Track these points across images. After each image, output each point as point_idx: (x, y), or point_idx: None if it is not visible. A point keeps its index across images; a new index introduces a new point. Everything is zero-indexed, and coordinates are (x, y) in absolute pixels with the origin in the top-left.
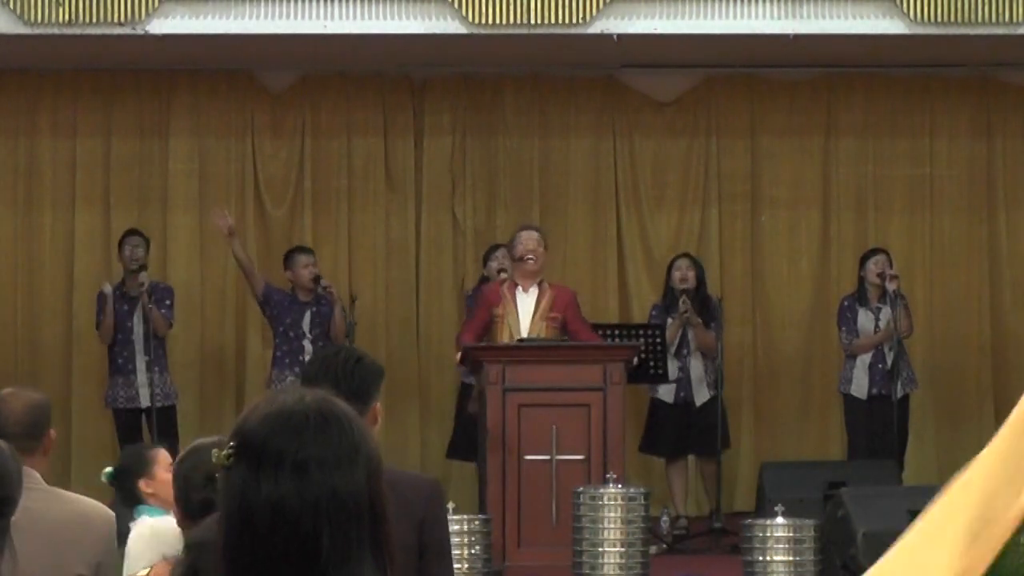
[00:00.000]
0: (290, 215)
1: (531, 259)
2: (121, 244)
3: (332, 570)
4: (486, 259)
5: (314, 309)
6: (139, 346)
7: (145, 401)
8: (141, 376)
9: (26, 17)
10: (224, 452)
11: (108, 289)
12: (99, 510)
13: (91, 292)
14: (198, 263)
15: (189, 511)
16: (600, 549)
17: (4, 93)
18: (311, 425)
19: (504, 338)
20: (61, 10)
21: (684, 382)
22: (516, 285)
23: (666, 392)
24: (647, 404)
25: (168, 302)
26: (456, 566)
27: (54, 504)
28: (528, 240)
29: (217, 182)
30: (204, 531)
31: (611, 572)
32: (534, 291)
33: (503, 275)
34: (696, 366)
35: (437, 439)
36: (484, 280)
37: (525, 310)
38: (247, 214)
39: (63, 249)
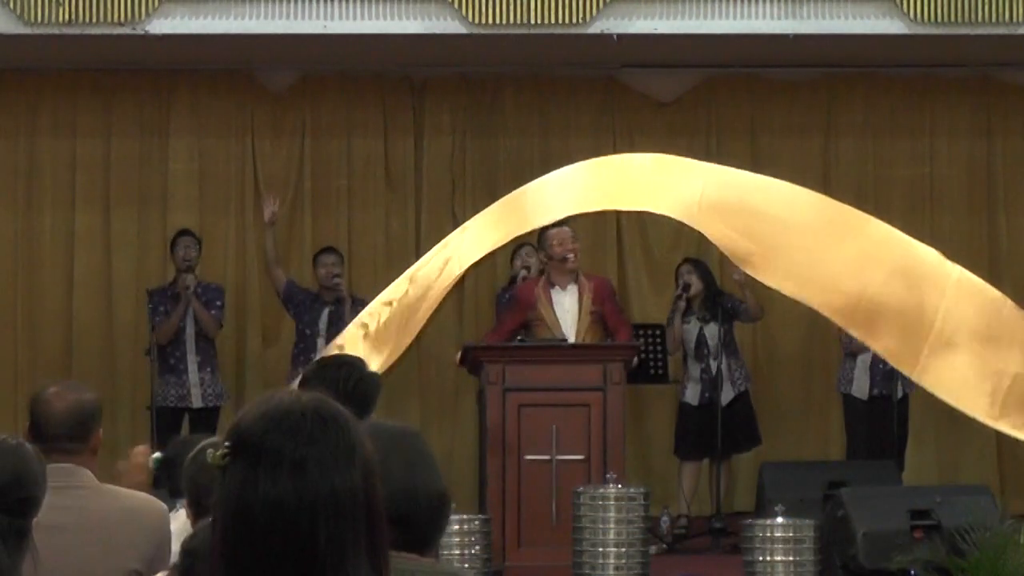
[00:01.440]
0: (290, 215)
1: (571, 257)
2: (174, 244)
3: (328, 570)
4: (512, 257)
5: (332, 308)
6: (190, 346)
7: (197, 401)
8: (193, 376)
9: (26, 17)
10: (219, 452)
11: (173, 289)
12: (151, 505)
13: (91, 292)
14: (198, 263)
15: (200, 513)
16: (600, 549)
17: (4, 93)
18: (308, 424)
19: (546, 336)
20: (61, 10)
21: (707, 382)
22: (551, 284)
23: (692, 395)
24: (674, 407)
25: (219, 303)
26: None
27: (106, 501)
28: (563, 238)
29: (217, 182)
30: (196, 537)
31: (611, 572)
32: (572, 288)
33: (524, 274)
34: (718, 365)
35: (437, 439)
36: (513, 280)
37: (564, 309)
38: (247, 214)
39: (63, 249)
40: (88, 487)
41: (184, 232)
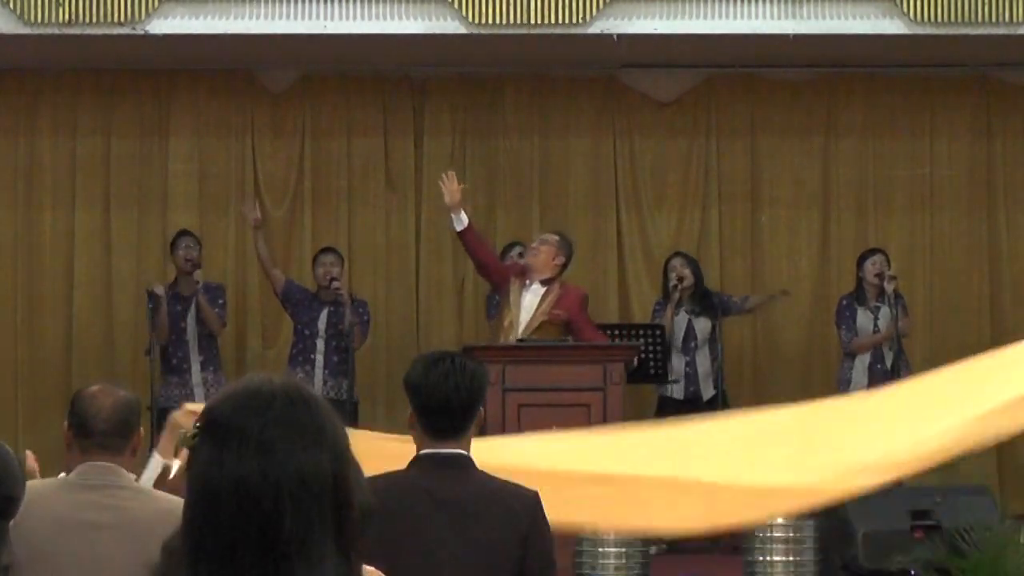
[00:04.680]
0: (290, 215)
1: (525, 253)
2: (174, 244)
3: (293, 551)
4: (502, 256)
5: (331, 309)
6: (193, 345)
7: (200, 400)
8: (196, 376)
9: (26, 17)
10: (191, 432)
11: (160, 290)
12: None
13: (91, 292)
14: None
15: None
16: (600, 549)
17: (4, 93)
18: (277, 404)
19: (505, 321)
20: (61, 10)
21: (692, 376)
22: (527, 277)
23: (676, 388)
24: (654, 402)
25: (221, 301)
26: None
27: (142, 503)
28: (536, 239)
29: (217, 182)
30: (177, 537)
31: (611, 572)
32: (539, 288)
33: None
34: (703, 360)
35: None
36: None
37: (527, 304)
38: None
39: (63, 249)
40: (127, 487)
41: (184, 232)
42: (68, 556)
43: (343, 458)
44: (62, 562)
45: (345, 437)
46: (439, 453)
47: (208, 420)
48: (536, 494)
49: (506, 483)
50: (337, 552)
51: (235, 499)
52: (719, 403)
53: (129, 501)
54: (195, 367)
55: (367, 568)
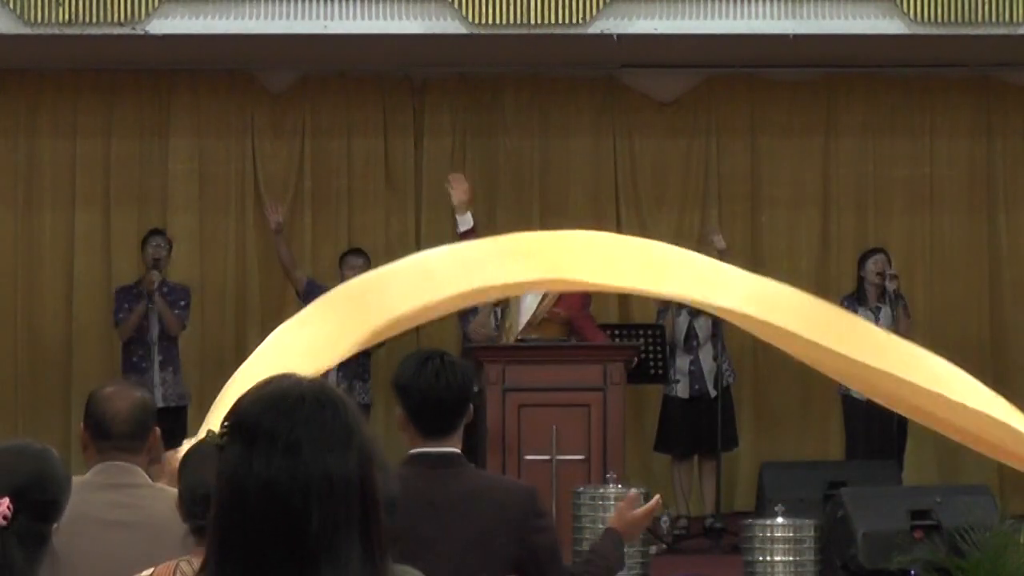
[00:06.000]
0: (290, 215)
1: None
2: (144, 243)
3: (320, 552)
4: None
5: None
6: (153, 345)
7: (159, 401)
8: (156, 375)
9: (26, 17)
10: (219, 432)
11: (123, 285)
12: None
13: (91, 292)
14: (198, 263)
15: (197, 528)
16: None
17: (4, 93)
18: (305, 406)
19: (506, 323)
20: (61, 10)
21: (697, 375)
22: None
23: (682, 388)
24: (659, 402)
25: (183, 303)
26: None
27: (160, 501)
28: None
29: (217, 182)
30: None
31: None
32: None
33: None
34: (707, 358)
35: None
36: None
37: (527, 305)
38: (247, 214)
39: (63, 249)
40: (145, 485)
41: (155, 231)
42: (88, 554)
43: (370, 460)
44: (82, 560)
45: (372, 439)
46: (431, 452)
47: (236, 421)
48: (532, 489)
49: (500, 479)
50: (363, 553)
51: (263, 500)
52: (725, 402)
53: (148, 500)
54: (155, 367)
55: (405, 568)
